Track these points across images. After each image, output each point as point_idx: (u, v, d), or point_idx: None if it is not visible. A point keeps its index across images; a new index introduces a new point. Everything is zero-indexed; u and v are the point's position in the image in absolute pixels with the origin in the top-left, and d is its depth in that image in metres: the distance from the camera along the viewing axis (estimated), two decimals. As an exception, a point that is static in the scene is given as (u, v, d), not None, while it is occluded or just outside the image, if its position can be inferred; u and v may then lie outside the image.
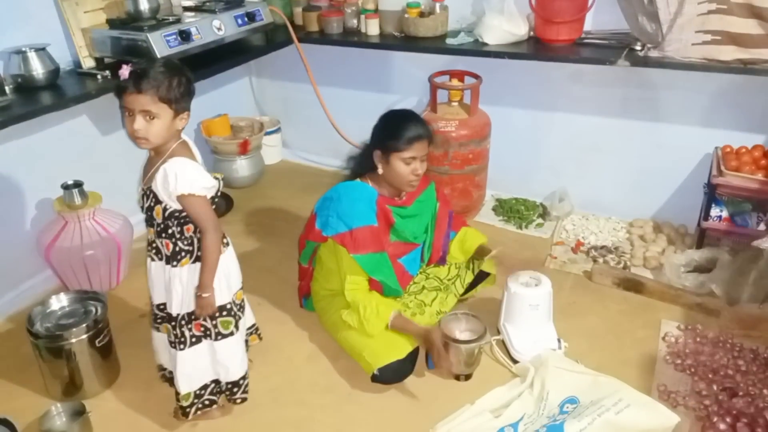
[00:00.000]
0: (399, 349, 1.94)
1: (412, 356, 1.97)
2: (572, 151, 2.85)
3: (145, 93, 1.48)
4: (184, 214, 1.60)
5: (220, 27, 2.55)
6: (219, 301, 1.69)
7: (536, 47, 2.56)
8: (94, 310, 1.99)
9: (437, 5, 2.70)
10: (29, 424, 1.85)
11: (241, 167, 3.25)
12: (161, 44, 2.28)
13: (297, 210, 3.09)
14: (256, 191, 3.30)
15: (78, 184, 2.31)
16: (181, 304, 1.68)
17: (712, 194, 2.40)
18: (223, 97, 3.29)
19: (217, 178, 1.66)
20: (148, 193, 1.61)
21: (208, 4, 2.69)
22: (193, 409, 1.79)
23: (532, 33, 2.62)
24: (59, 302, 2.01)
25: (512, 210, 2.95)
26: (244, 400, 1.86)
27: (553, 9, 2.45)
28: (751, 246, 2.21)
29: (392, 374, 1.93)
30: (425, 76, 2.78)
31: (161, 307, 1.74)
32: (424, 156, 1.98)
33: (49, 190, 2.36)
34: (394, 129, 1.95)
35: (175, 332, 1.70)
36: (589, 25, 2.55)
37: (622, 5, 2.42)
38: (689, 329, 2.17)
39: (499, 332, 2.15)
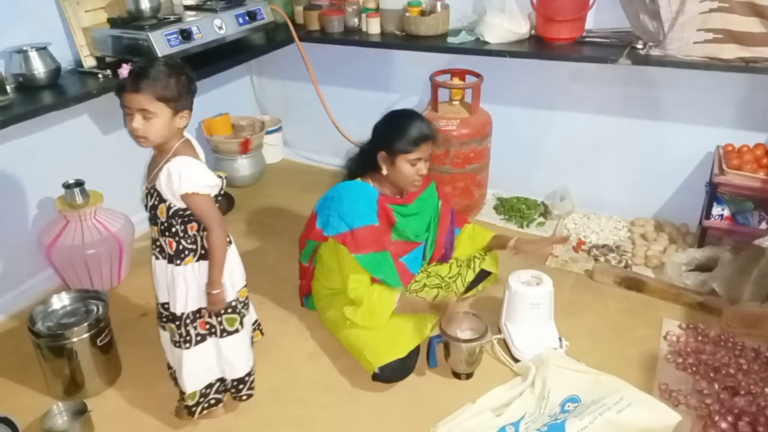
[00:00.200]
0: (400, 347, 1.94)
1: (413, 355, 1.97)
2: (573, 149, 2.85)
3: (143, 92, 1.49)
4: (188, 212, 1.61)
5: (221, 26, 2.55)
6: (226, 296, 1.71)
7: (537, 46, 2.56)
8: (95, 309, 1.99)
9: (438, 4, 2.70)
10: (31, 423, 1.85)
11: (242, 166, 3.25)
12: (162, 43, 2.28)
13: (298, 209, 3.09)
14: (257, 190, 3.30)
15: (79, 183, 2.31)
16: (185, 302, 1.68)
17: (714, 193, 2.40)
18: (224, 96, 3.29)
19: (220, 177, 1.67)
20: (152, 191, 1.61)
21: (209, 3, 2.69)
22: (199, 408, 1.79)
23: (533, 31, 2.62)
24: (60, 301, 2.02)
25: (513, 209, 2.94)
26: (249, 396, 1.87)
27: (554, 7, 2.45)
28: (752, 245, 2.21)
29: (393, 373, 1.93)
30: (426, 74, 2.78)
31: (165, 305, 1.75)
32: (429, 156, 1.98)
33: (50, 189, 2.36)
34: (401, 130, 1.94)
35: (180, 331, 1.70)
36: (590, 23, 2.55)
37: (624, 4, 2.41)
38: (690, 328, 2.17)
39: (500, 331, 2.15)
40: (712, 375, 1.95)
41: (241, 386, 1.84)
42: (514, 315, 2.10)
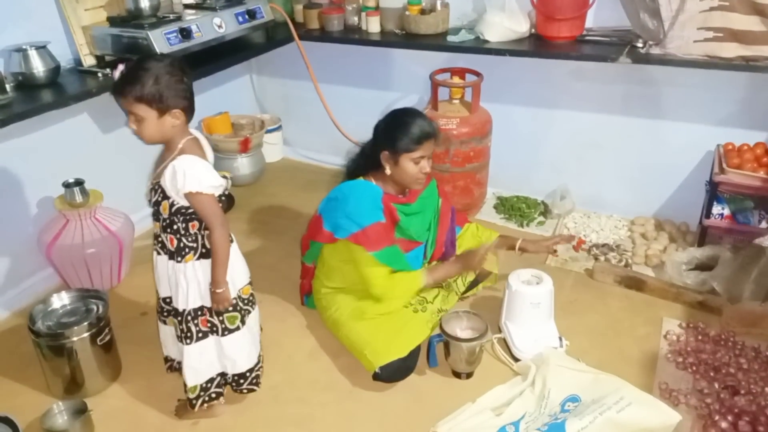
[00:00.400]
0: (401, 347, 1.94)
1: (414, 354, 1.97)
2: (574, 148, 2.85)
3: (126, 96, 1.51)
4: (190, 210, 1.61)
5: (221, 24, 2.54)
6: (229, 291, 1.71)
7: (537, 44, 2.56)
8: (95, 308, 1.99)
9: (438, 2, 2.70)
10: (31, 423, 1.85)
11: (242, 165, 3.25)
12: (162, 42, 2.28)
13: (298, 208, 3.09)
14: (257, 189, 3.30)
15: (79, 182, 2.31)
16: (186, 299, 1.69)
17: (714, 192, 2.39)
18: (223, 95, 3.29)
19: (225, 177, 1.68)
20: (156, 188, 1.62)
21: (208, 1, 2.68)
22: (200, 401, 1.80)
23: (533, 30, 2.61)
24: (60, 300, 2.01)
25: (513, 208, 2.94)
26: (251, 390, 1.88)
27: (554, 6, 2.45)
28: (752, 244, 2.21)
29: (394, 372, 1.93)
30: (426, 73, 2.78)
31: (167, 300, 1.76)
32: (431, 153, 1.98)
33: (50, 189, 2.36)
34: (403, 129, 1.92)
35: (181, 327, 1.72)
36: (590, 22, 2.54)
37: (624, 2, 2.41)
38: (691, 327, 2.17)
39: (500, 330, 2.15)
40: (712, 374, 1.95)
41: (242, 380, 1.85)
42: (514, 314, 2.10)
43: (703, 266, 2.40)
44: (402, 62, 3.04)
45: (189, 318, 1.71)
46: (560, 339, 2.06)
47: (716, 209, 2.43)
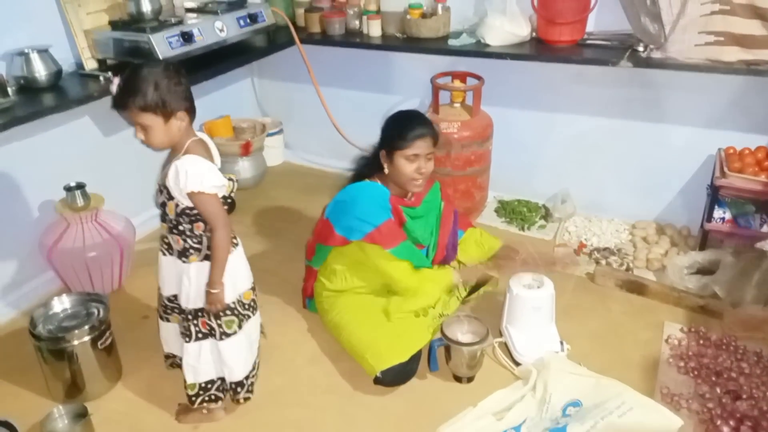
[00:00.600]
0: (402, 351, 1.93)
1: (415, 359, 1.97)
2: (575, 152, 2.85)
3: (129, 108, 1.52)
4: (195, 211, 1.62)
5: (222, 28, 2.55)
6: (226, 298, 1.72)
7: (538, 48, 2.56)
8: (96, 311, 1.99)
9: (439, 6, 2.70)
10: (31, 427, 1.85)
11: (244, 168, 3.25)
12: (163, 45, 2.28)
13: (299, 211, 3.09)
14: (259, 192, 3.30)
15: (80, 186, 2.31)
16: (188, 299, 1.70)
17: (715, 196, 2.39)
18: (225, 99, 3.29)
19: (231, 179, 1.69)
20: (162, 188, 1.64)
21: (210, 5, 2.69)
22: (199, 400, 1.81)
23: (534, 34, 2.62)
24: (61, 304, 2.01)
25: (514, 211, 2.94)
26: (247, 399, 1.88)
27: (555, 10, 2.45)
28: (754, 248, 2.21)
29: (395, 376, 1.93)
30: (427, 77, 2.78)
31: (171, 298, 1.78)
32: (429, 155, 1.98)
33: (51, 192, 2.36)
34: (397, 127, 1.97)
35: (184, 324, 1.74)
36: (591, 26, 2.54)
37: (625, 6, 2.41)
38: (692, 331, 2.16)
39: (501, 334, 2.14)
40: (713, 379, 1.94)
41: (239, 389, 1.84)
42: (515, 318, 2.09)
43: (705, 270, 2.39)
44: (403, 66, 3.04)
45: (190, 317, 1.72)
46: (561, 343, 2.05)
47: (717, 213, 2.43)
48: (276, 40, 2.91)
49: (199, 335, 1.74)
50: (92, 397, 1.96)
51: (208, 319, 1.73)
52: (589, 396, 1.82)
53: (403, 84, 3.08)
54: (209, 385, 1.81)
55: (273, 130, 3.48)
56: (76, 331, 1.88)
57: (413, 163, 1.95)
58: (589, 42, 2.53)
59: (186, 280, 1.69)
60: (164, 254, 1.74)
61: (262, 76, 3.50)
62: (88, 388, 1.95)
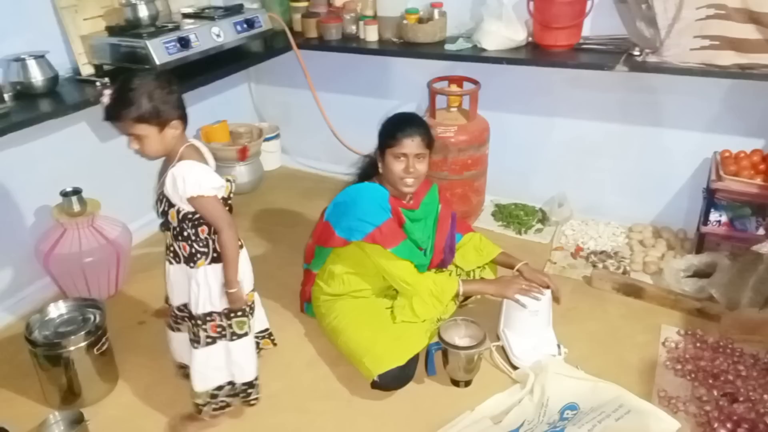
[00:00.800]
0: (399, 355, 1.93)
1: (413, 362, 1.96)
2: (571, 156, 2.86)
3: (123, 119, 1.52)
4: (197, 216, 1.63)
5: (219, 34, 2.55)
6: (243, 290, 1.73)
7: (535, 53, 2.57)
8: (92, 317, 1.99)
9: (436, 11, 2.71)
10: (27, 433, 1.84)
11: (241, 173, 3.25)
12: (160, 51, 2.29)
13: (296, 216, 3.09)
14: (256, 197, 3.30)
15: (77, 191, 2.31)
16: (197, 304, 1.69)
17: (711, 199, 2.40)
18: (222, 104, 3.30)
19: (229, 180, 1.69)
20: (161, 197, 1.64)
21: (207, 11, 2.70)
22: (208, 408, 1.80)
23: (530, 38, 2.63)
24: (58, 310, 2.01)
25: (511, 215, 2.95)
26: (257, 400, 1.87)
27: (551, 14, 2.46)
28: (750, 250, 2.21)
29: (392, 380, 1.93)
30: (424, 81, 2.79)
31: (181, 308, 1.77)
32: (421, 155, 1.97)
33: (47, 198, 2.36)
34: (388, 126, 2.00)
35: (193, 330, 1.73)
36: (587, 30, 2.55)
37: (621, 10, 2.42)
38: (689, 334, 2.17)
39: (498, 338, 2.14)
40: (711, 381, 1.94)
41: (250, 390, 1.84)
42: (512, 322, 2.10)
43: (701, 273, 2.40)
44: (400, 71, 3.05)
45: (199, 323, 1.71)
46: (559, 347, 2.06)
47: (714, 216, 2.44)
48: (273, 45, 2.92)
49: (209, 340, 1.73)
50: (89, 403, 1.95)
51: (220, 321, 1.73)
52: (587, 399, 1.83)
53: (399, 88, 3.09)
54: (218, 392, 1.80)
55: (270, 134, 3.48)
56: (73, 337, 1.87)
57: (402, 162, 1.95)
58: (585, 46, 2.54)
59: (195, 285, 1.68)
60: (171, 263, 1.72)
61: (259, 81, 3.51)
62: (85, 394, 1.95)
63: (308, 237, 2.24)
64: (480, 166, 2.79)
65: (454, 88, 2.76)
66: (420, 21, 2.72)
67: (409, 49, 2.75)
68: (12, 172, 2.30)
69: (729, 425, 1.75)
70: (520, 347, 2.05)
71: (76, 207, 2.30)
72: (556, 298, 2.10)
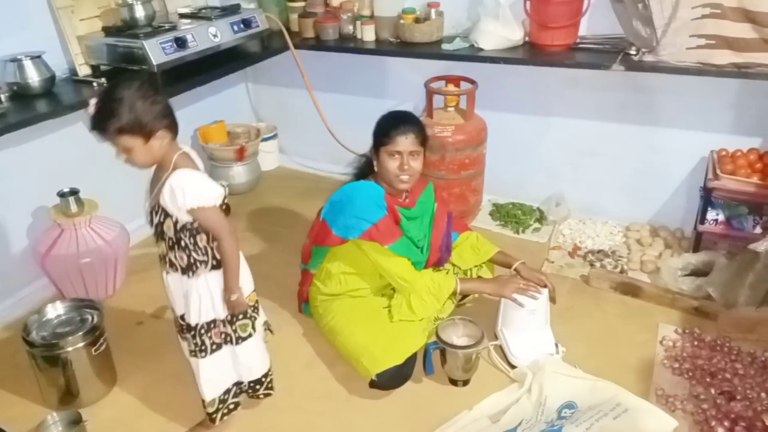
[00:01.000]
0: (397, 354, 1.93)
1: (411, 362, 1.97)
2: (568, 155, 2.86)
3: (104, 132, 1.49)
4: (195, 225, 1.59)
5: (216, 34, 2.55)
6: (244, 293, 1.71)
7: (531, 52, 2.57)
8: (90, 318, 1.98)
9: (433, 11, 2.71)
10: (25, 434, 1.84)
11: (238, 173, 3.25)
12: (157, 51, 2.28)
13: (294, 216, 3.09)
14: (253, 197, 3.30)
15: (74, 192, 2.30)
16: (199, 313, 1.66)
17: (708, 198, 2.40)
18: (219, 104, 3.29)
19: (222, 185, 1.66)
20: (156, 208, 1.59)
21: (204, 11, 2.70)
22: (219, 415, 1.79)
23: (527, 38, 2.63)
24: (55, 310, 2.00)
25: (509, 214, 2.95)
26: (267, 395, 1.88)
27: (548, 14, 2.46)
28: (747, 249, 2.21)
29: (390, 380, 1.93)
30: (421, 81, 2.79)
31: (183, 317, 1.73)
32: (415, 153, 1.97)
33: (45, 198, 2.35)
34: (382, 124, 2.00)
35: (195, 341, 1.69)
36: (583, 30, 2.56)
37: (617, 10, 2.43)
38: (687, 333, 2.17)
39: (496, 337, 2.14)
40: (708, 380, 1.95)
41: (258, 386, 1.84)
42: (510, 321, 2.10)
43: (699, 272, 2.40)
44: (397, 70, 3.05)
45: (202, 331, 1.68)
46: (556, 346, 2.06)
47: (711, 215, 2.44)
48: (270, 45, 2.92)
49: (214, 347, 1.71)
50: (86, 403, 1.95)
51: (223, 327, 1.71)
52: (585, 398, 1.83)
53: (397, 88, 3.09)
54: (226, 395, 1.79)
55: (267, 135, 3.48)
56: (70, 338, 1.87)
57: (396, 159, 1.96)
58: (581, 46, 2.54)
59: (195, 295, 1.64)
60: (167, 273, 1.67)
61: (257, 81, 3.51)
62: (83, 395, 1.94)
63: (305, 237, 2.24)
64: (477, 165, 2.79)
65: (451, 87, 2.76)
66: (417, 21, 2.73)
67: (406, 48, 2.75)
68: (9, 173, 2.30)
69: (726, 423, 1.76)
70: (518, 346, 2.05)
71: (74, 208, 2.30)
72: (552, 298, 2.11)
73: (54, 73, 2.23)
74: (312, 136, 3.35)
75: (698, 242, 2.52)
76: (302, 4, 2.99)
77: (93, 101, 1.51)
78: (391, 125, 1.96)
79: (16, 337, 1.94)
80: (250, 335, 1.76)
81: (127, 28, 2.37)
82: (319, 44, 2.92)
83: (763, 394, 1.86)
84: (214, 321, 1.69)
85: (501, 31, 2.55)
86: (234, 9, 2.74)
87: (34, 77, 2.16)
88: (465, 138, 2.68)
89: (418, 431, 1.84)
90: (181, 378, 1.97)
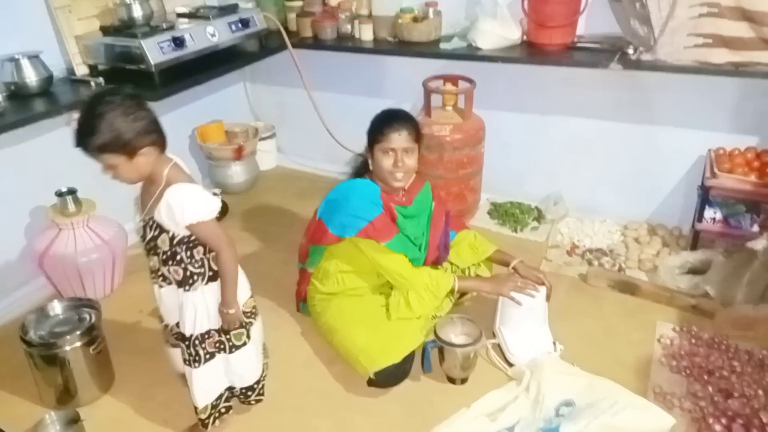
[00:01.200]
0: (395, 352, 1.93)
1: (409, 360, 1.97)
2: (566, 154, 2.86)
3: (87, 150, 1.44)
4: (192, 238, 1.57)
5: (214, 33, 2.55)
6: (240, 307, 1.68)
7: (529, 51, 2.57)
8: (88, 317, 1.98)
9: (431, 10, 2.71)
10: (23, 433, 1.84)
11: (236, 173, 3.25)
12: (155, 51, 2.28)
13: (292, 215, 3.09)
14: (251, 197, 3.30)
15: (72, 192, 2.30)
16: (194, 325, 1.65)
17: (706, 196, 2.41)
18: (217, 103, 3.29)
19: (215, 194, 1.64)
20: (151, 223, 1.55)
21: (202, 10, 2.70)
22: (212, 419, 1.79)
23: (525, 37, 2.63)
24: (53, 310, 2.01)
25: (507, 213, 2.95)
26: (258, 401, 1.87)
27: (545, 13, 2.46)
28: (744, 247, 2.22)
29: (388, 377, 1.93)
30: (419, 80, 2.79)
31: (177, 325, 1.72)
32: (409, 150, 1.97)
33: (42, 198, 2.35)
34: (376, 122, 2.00)
35: (189, 351, 1.67)
36: (581, 29, 2.56)
37: (615, 9, 2.43)
38: (684, 331, 2.17)
39: (494, 336, 2.15)
40: (706, 378, 1.95)
41: (249, 393, 1.83)
42: (508, 319, 2.10)
43: (696, 270, 2.41)
44: (395, 70, 3.05)
45: (197, 342, 1.67)
46: (554, 344, 2.06)
47: (708, 213, 2.45)
48: (268, 44, 2.92)
49: (207, 356, 1.69)
50: (84, 403, 1.95)
51: (219, 337, 1.70)
52: (582, 396, 1.83)
53: (395, 87, 3.09)
54: (218, 401, 1.78)
55: (265, 134, 3.48)
56: (68, 337, 1.87)
57: (390, 156, 1.96)
58: (579, 45, 2.54)
59: (191, 308, 1.62)
60: (160, 286, 1.65)
61: (255, 80, 3.51)
62: (80, 394, 1.94)
63: (303, 236, 2.24)
64: (475, 164, 2.79)
65: (449, 86, 2.76)
66: (415, 20, 2.73)
67: (404, 48, 2.75)
68: (6, 173, 2.30)
69: (724, 421, 1.76)
70: (516, 344, 2.05)
71: (72, 207, 2.30)
72: (546, 296, 2.11)
73: (51, 73, 2.23)
74: (310, 135, 3.35)
75: (696, 240, 2.53)
76: (300, 3, 2.99)
77: (75, 116, 1.45)
78: (384, 122, 1.97)
79: (14, 336, 1.94)
80: (244, 344, 1.74)
81: (124, 27, 2.37)
82: (317, 43, 2.93)
83: (760, 392, 1.87)
84: (208, 332, 1.68)
85: (499, 30, 2.55)
86: (232, 8, 2.74)
87: (31, 77, 2.16)
88: (463, 137, 2.68)
89: (416, 430, 1.84)
90: (178, 377, 1.97)
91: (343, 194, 2.02)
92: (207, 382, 1.73)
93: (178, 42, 2.37)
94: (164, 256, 1.58)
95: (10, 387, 2.03)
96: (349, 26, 2.90)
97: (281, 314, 2.36)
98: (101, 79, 2.31)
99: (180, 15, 2.69)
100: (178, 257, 1.58)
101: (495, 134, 2.85)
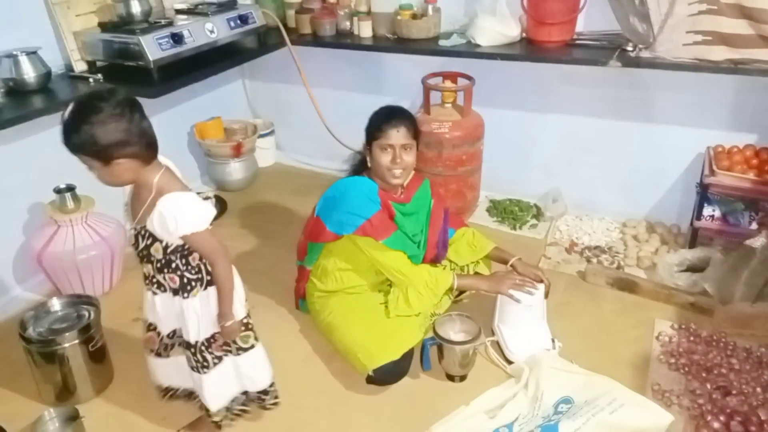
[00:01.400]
0: (394, 349, 1.93)
1: (407, 357, 1.97)
2: (565, 151, 2.86)
3: (68, 147, 1.40)
4: (186, 246, 1.53)
5: (213, 30, 2.55)
6: (236, 318, 1.64)
7: (528, 48, 2.57)
8: (87, 314, 1.98)
9: (430, 7, 2.71)
10: (22, 430, 1.84)
11: (235, 170, 3.24)
12: (153, 47, 2.28)
13: (290, 212, 3.09)
14: (250, 194, 3.29)
15: (70, 188, 2.30)
16: (198, 331, 1.62)
17: (705, 194, 2.41)
18: (216, 100, 3.29)
19: (209, 198, 1.58)
20: (143, 232, 1.51)
21: (200, 7, 2.69)
22: (225, 421, 1.78)
23: (524, 34, 2.63)
24: (52, 307, 2.00)
25: (506, 211, 2.95)
26: (275, 405, 1.84)
27: (545, 10, 2.46)
28: (743, 245, 2.23)
29: (387, 375, 1.93)
30: (418, 77, 2.78)
31: (171, 335, 1.69)
32: (407, 146, 1.97)
33: (41, 195, 2.35)
34: (374, 119, 2.00)
35: (196, 357, 1.65)
36: (580, 26, 2.56)
37: (614, 6, 2.43)
38: (682, 328, 2.18)
39: (493, 333, 2.15)
40: (704, 375, 1.96)
41: (264, 396, 1.81)
42: (507, 317, 2.10)
43: (695, 268, 2.41)
44: (394, 67, 3.05)
45: (203, 348, 1.64)
46: (553, 341, 2.06)
47: (707, 211, 2.45)
48: (267, 41, 2.91)
49: (216, 360, 1.67)
50: (83, 399, 1.95)
51: (223, 342, 1.68)
52: (581, 393, 1.83)
53: (394, 85, 3.09)
54: (232, 403, 1.77)
55: (264, 131, 3.48)
56: (67, 334, 1.87)
57: (388, 153, 1.96)
58: (578, 42, 2.54)
59: (192, 315, 1.58)
60: (155, 294, 1.60)
61: (253, 77, 3.50)
62: (79, 391, 1.94)
63: (301, 234, 2.24)
64: (474, 161, 2.79)
65: (448, 84, 2.76)
66: (414, 17, 2.72)
67: (403, 45, 2.75)
68: (5, 169, 2.29)
69: (722, 418, 1.77)
70: (515, 342, 2.05)
71: (70, 204, 2.29)
72: (545, 293, 2.11)
73: (50, 69, 2.22)
74: (309, 132, 3.34)
75: (694, 238, 2.53)
76: (299, 0, 2.99)
77: (67, 109, 1.40)
78: (382, 119, 1.97)
79: (13, 333, 1.94)
80: (252, 346, 1.72)
81: (123, 23, 2.36)
82: (316, 40, 2.92)
83: (758, 389, 1.87)
84: (213, 336, 1.65)
85: (498, 27, 2.55)
86: (231, 5, 2.73)
87: (30, 73, 2.15)
88: (462, 134, 2.68)
89: (415, 427, 1.84)
90: (156, 389, 1.92)
91: (341, 192, 2.02)
92: (218, 387, 1.71)
93: (177, 38, 2.37)
94: (158, 264, 1.55)
95: (8, 384, 2.03)
96: (348, 23, 2.90)
97: (280, 311, 2.36)
98: (100, 76, 2.31)
99: (178, 11, 2.68)
100: (173, 265, 1.54)
101: (494, 131, 2.85)
